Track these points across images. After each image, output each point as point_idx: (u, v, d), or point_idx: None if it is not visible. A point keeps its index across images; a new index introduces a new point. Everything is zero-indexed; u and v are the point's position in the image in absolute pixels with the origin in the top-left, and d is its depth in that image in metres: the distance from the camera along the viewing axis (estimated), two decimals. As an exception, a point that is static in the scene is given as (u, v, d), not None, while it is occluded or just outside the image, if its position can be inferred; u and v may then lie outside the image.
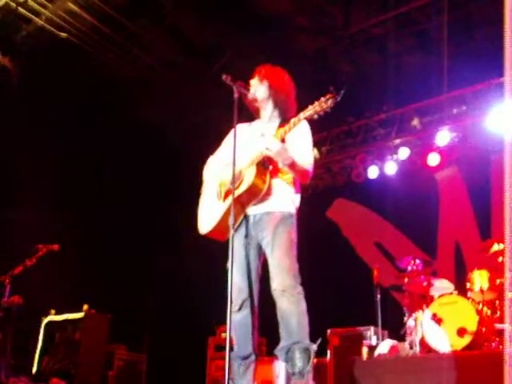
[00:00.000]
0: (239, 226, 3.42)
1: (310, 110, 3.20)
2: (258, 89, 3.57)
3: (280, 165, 3.33)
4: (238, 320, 3.30)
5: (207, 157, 3.81)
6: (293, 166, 3.31)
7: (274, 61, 3.73)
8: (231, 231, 3.10)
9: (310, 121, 3.41)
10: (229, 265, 3.18)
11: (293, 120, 3.31)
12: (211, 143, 3.84)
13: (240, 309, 3.34)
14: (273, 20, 6.98)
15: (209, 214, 3.57)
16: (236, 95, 3.31)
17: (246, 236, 3.44)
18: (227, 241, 3.33)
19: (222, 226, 3.43)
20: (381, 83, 7.54)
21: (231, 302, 2.99)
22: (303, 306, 3.25)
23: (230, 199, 3.35)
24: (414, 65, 7.15)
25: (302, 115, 3.26)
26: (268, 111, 3.63)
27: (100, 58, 7.25)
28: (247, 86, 3.51)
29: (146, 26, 7.17)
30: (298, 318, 3.21)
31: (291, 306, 3.21)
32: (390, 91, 7.71)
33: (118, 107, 7.50)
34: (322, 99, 3.15)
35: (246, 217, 3.45)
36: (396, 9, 6.90)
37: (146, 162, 8.00)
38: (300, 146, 3.43)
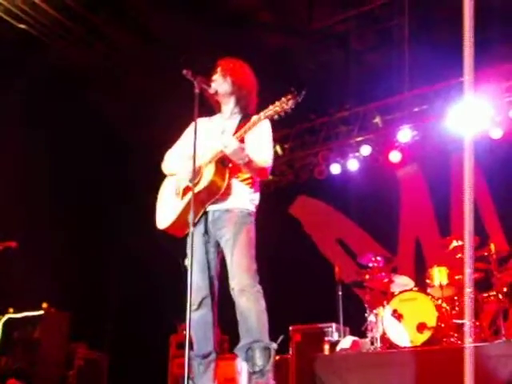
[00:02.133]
0: (198, 223, 3.39)
1: (271, 111, 3.20)
2: (221, 84, 3.53)
3: (237, 163, 3.31)
4: (197, 318, 3.27)
5: (161, 150, 3.76)
6: (249, 164, 3.29)
7: (236, 56, 3.70)
8: (191, 228, 3.08)
9: (272, 118, 3.40)
10: (187, 262, 3.16)
11: (253, 119, 3.30)
12: (170, 137, 3.80)
13: (199, 307, 3.31)
14: (237, 15, 6.95)
15: (167, 210, 3.53)
16: (197, 90, 3.28)
17: (205, 233, 3.41)
18: (185, 237, 3.33)
19: (180, 222, 3.41)
20: (343, 81, 7.57)
21: (191, 300, 2.97)
22: (262, 304, 3.24)
23: (188, 196, 3.33)
24: (377, 63, 7.20)
25: (262, 115, 3.25)
26: (230, 106, 3.60)
27: (59, 51, 7.10)
28: (208, 81, 3.46)
29: (107, 18, 7.05)
30: (257, 317, 3.20)
31: (250, 304, 3.20)
32: (353, 89, 7.76)
33: (75, 99, 7.38)
34: (283, 99, 3.15)
35: (205, 214, 3.42)
36: (359, 7, 6.93)
37: (98, 157, 7.88)
38: (258, 143, 3.41)
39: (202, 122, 3.56)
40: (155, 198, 3.69)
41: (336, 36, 7.29)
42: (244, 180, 3.44)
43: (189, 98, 3.31)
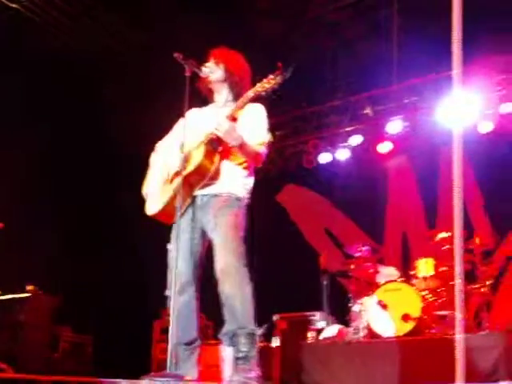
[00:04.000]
0: (186, 209, 3.37)
1: (259, 87, 3.20)
2: (214, 71, 3.50)
3: (230, 145, 3.28)
4: (180, 305, 3.21)
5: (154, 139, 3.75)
6: (242, 146, 3.26)
7: (230, 43, 3.68)
8: (178, 212, 3.07)
9: (265, 103, 3.39)
10: (169, 246, 3.15)
11: (242, 98, 3.28)
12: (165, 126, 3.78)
13: (181, 293, 3.26)
14: (232, 2, 6.88)
15: (156, 196, 3.51)
16: (187, 74, 3.26)
17: (192, 220, 3.38)
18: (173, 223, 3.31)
19: (169, 208, 3.37)
20: (335, 71, 7.57)
21: (175, 285, 2.96)
22: (247, 288, 3.18)
23: (177, 181, 3.31)
24: (368, 53, 7.19)
25: (250, 92, 3.24)
26: (223, 95, 3.57)
27: (50, 31, 7.03)
28: (199, 65, 3.44)
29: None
30: (242, 302, 3.15)
31: (235, 289, 3.15)
32: (345, 79, 7.76)
33: (67, 82, 7.32)
34: (271, 76, 3.17)
35: (194, 199, 3.40)
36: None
37: (92, 141, 7.83)
38: (252, 127, 3.37)
39: (194, 112, 3.54)
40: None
41: (329, 26, 7.28)
42: (239, 164, 3.41)
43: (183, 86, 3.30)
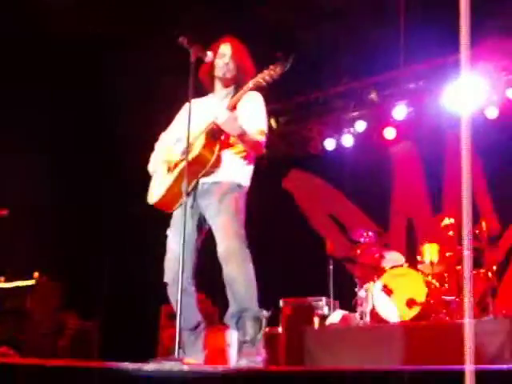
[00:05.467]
0: (187, 195, 3.37)
1: (259, 78, 3.21)
2: (221, 59, 3.50)
3: (230, 135, 3.29)
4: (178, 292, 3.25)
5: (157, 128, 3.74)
6: (242, 136, 3.28)
7: (234, 30, 3.65)
8: (184, 197, 3.08)
9: (268, 89, 3.38)
10: (168, 232, 3.16)
11: (243, 88, 3.29)
12: (164, 115, 3.77)
13: (177, 280, 3.26)
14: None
15: (157, 185, 3.53)
16: (192, 59, 3.25)
17: (192, 206, 3.37)
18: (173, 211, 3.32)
19: (169, 197, 3.40)
20: (341, 55, 7.51)
21: (183, 270, 2.97)
22: (250, 269, 3.20)
23: (177, 170, 3.35)
24: (374, 38, 7.12)
25: (250, 83, 3.25)
26: (226, 84, 3.56)
27: (51, 17, 6.97)
28: (204, 50, 3.42)
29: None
30: (245, 282, 3.17)
31: (238, 270, 3.17)
32: (349, 64, 7.69)
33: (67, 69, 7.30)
34: (271, 67, 3.17)
35: (195, 186, 3.39)
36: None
37: (95, 127, 7.82)
38: (251, 116, 3.38)
39: (195, 102, 3.53)
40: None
41: (334, 10, 7.21)
42: (238, 153, 3.42)
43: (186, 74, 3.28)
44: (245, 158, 3.43)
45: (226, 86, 3.56)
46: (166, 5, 6.76)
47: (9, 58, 6.76)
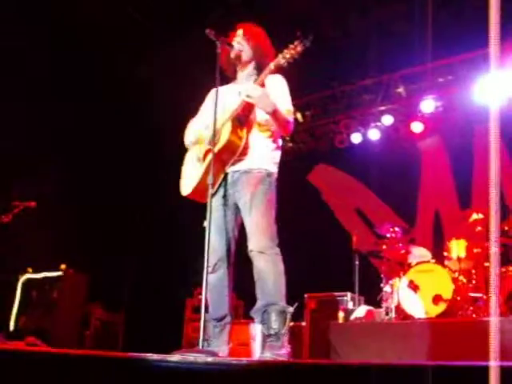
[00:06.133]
0: (219, 186, 3.38)
1: (280, 58, 3.20)
2: (244, 47, 3.51)
3: (264, 112, 3.27)
4: (213, 281, 3.27)
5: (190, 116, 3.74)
6: (275, 113, 3.26)
7: (260, 21, 3.65)
8: (210, 190, 3.08)
9: (294, 82, 3.37)
10: (206, 224, 3.17)
11: (264, 70, 3.28)
12: (194, 103, 3.77)
13: (214, 270, 3.31)
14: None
15: (189, 176, 3.53)
16: (219, 50, 3.25)
17: (224, 196, 3.39)
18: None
19: (202, 187, 3.37)
20: (368, 49, 7.45)
21: (207, 263, 2.98)
22: (280, 266, 3.21)
23: (208, 159, 3.32)
24: (402, 31, 7.04)
25: (271, 65, 3.24)
26: (248, 71, 3.57)
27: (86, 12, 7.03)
28: (231, 42, 3.43)
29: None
30: (275, 279, 3.18)
31: (268, 266, 3.18)
32: (376, 57, 7.63)
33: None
34: (291, 46, 3.17)
35: (226, 176, 3.40)
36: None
37: (129, 122, 7.87)
38: (277, 96, 3.35)
39: (221, 89, 3.53)
40: (179, 162, 3.68)
41: (361, 4, 7.15)
42: (267, 137, 3.41)
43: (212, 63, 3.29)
44: (273, 142, 3.43)
45: (244, 67, 3.56)
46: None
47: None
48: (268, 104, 3.22)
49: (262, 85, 3.27)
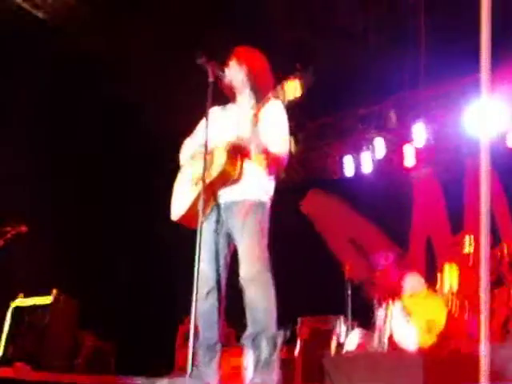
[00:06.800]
0: (210, 212, 3.37)
1: (280, 91, 3.16)
2: (236, 73, 3.50)
3: (252, 151, 3.28)
4: (204, 309, 3.26)
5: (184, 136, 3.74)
6: (265, 152, 3.27)
7: (270, 48, 3.66)
8: (200, 217, 3.07)
9: (289, 111, 3.39)
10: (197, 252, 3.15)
11: (262, 101, 3.26)
12: (189, 123, 3.77)
13: (206, 297, 3.30)
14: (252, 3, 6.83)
15: (180, 199, 3.51)
16: (210, 78, 3.27)
17: (217, 222, 3.38)
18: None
19: (192, 212, 3.36)
20: (360, 77, 7.50)
21: (197, 290, 2.97)
22: (271, 293, 3.21)
23: (200, 185, 3.29)
24: (394, 60, 7.10)
25: (271, 95, 3.21)
26: (245, 96, 3.56)
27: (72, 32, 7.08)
28: (223, 68, 3.44)
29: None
30: (265, 305, 3.18)
31: (258, 294, 3.18)
32: (369, 86, 7.68)
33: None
34: (291, 77, 3.12)
35: (218, 203, 3.40)
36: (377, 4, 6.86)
37: (119, 140, 7.87)
38: (273, 131, 3.37)
39: (216, 111, 3.54)
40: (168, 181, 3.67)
41: (353, 30, 7.23)
42: (261, 168, 3.39)
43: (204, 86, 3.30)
44: (267, 173, 3.41)
45: (240, 91, 3.55)
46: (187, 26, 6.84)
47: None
48: (257, 145, 3.23)
49: (256, 121, 3.23)
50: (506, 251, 5.66)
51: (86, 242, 7.47)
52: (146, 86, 7.34)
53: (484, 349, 1.96)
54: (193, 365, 2.87)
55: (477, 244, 5.95)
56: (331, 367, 5.42)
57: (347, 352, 5.92)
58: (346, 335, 6.18)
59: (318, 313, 6.76)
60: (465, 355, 4.94)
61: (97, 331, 7.39)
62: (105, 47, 7.10)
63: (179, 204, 3.51)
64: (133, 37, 7.05)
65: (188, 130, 3.73)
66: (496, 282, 5.71)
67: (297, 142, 8.47)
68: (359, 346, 5.90)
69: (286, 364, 5.98)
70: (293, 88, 3.14)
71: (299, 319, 6.73)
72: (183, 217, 3.47)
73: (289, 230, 7.80)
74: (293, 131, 3.52)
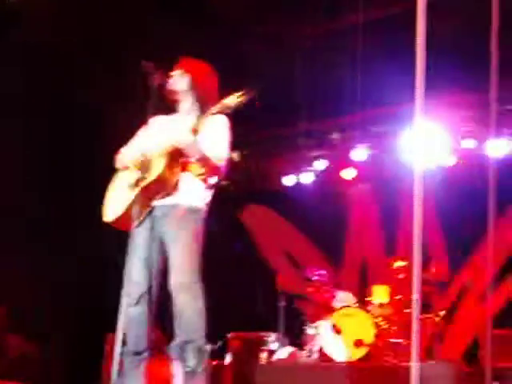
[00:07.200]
0: (144, 218, 3.36)
1: (223, 105, 3.23)
2: (179, 81, 3.51)
3: (190, 159, 3.29)
4: (134, 315, 3.23)
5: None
6: (202, 160, 3.28)
7: (218, 60, 3.67)
8: (135, 222, 3.06)
9: (232, 121, 3.43)
10: (127, 257, 3.14)
11: (205, 113, 3.29)
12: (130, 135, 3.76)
13: (137, 304, 3.26)
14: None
15: (116, 202, 3.47)
16: (154, 84, 3.28)
17: (151, 228, 3.36)
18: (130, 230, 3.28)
19: (127, 215, 3.32)
20: (305, 95, 7.60)
21: (126, 295, 2.95)
22: (200, 303, 3.19)
23: (138, 188, 3.30)
24: (339, 79, 7.21)
25: (214, 109, 3.26)
26: (187, 104, 3.56)
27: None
28: (167, 77, 3.45)
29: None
30: (193, 315, 3.16)
31: (186, 302, 3.17)
32: (313, 104, 7.79)
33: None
34: (236, 95, 3.19)
35: (152, 209, 3.39)
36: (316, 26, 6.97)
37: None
38: (213, 139, 3.37)
39: (159, 120, 3.55)
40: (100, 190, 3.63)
41: (298, 51, 7.33)
42: (199, 176, 3.39)
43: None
44: (204, 181, 3.42)
45: (185, 101, 3.55)
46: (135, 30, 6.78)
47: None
48: (194, 152, 3.24)
49: (195, 131, 3.25)
50: (434, 273, 5.85)
51: (11, 245, 7.24)
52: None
53: (415, 365, 2.03)
54: (119, 373, 2.85)
55: (408, 266, 6.11)
56: (260, 377, 5.46)
57: (278, 360, 5.96)
58: (277, 350, 6.21)
59: (250, 330, 6.73)
60: (390, 369, 5.07)
61: (24, 336, 7.21)
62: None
63: (114, 205, 3.47)
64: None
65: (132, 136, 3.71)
66: (423, 304, 5.88)
67: (239, 153, 8.51)
68: (290, 356, 5.96)
69: (216, 374, 5.98)
70: (235, 102, 3.20)
71: (230, 334, 6.70)
72: (117, 219, 3.43)
73: (225, 240, 7.84)
74: (235, 144, 3.55)
